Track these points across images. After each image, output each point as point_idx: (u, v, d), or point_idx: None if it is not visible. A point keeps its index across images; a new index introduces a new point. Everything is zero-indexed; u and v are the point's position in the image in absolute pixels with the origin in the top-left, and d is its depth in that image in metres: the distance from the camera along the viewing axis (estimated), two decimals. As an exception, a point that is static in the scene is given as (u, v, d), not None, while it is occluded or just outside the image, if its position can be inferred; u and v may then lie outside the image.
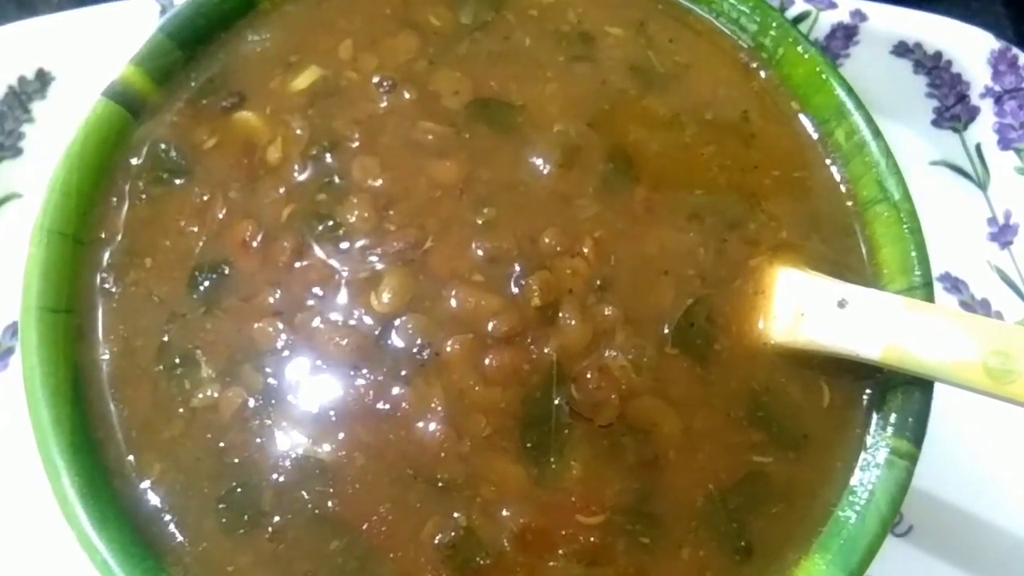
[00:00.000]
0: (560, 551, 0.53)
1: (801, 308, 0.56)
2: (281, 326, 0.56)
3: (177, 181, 0.61)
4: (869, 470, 0.55)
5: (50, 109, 0.85)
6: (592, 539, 0.53)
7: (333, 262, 0.57)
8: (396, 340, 0.55)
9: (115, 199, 0.60)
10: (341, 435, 0.54)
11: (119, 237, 0.59)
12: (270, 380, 0.55)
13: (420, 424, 0.54)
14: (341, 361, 0.55)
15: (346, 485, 0.53)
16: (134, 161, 0.61)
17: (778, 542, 0.54)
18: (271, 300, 0.57)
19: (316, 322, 0.56)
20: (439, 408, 0.54)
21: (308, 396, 0.55)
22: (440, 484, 0.53)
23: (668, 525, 0.54)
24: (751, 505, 0.55)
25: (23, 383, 0.54)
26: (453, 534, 0.52)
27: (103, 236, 0.59)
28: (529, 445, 0.54)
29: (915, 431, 0.55)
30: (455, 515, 0.52)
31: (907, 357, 0.52)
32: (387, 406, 0.54)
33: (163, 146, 0.61)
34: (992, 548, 0.74)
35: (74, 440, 0.53)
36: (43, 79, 0.85)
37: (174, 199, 0.60)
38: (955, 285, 0.83)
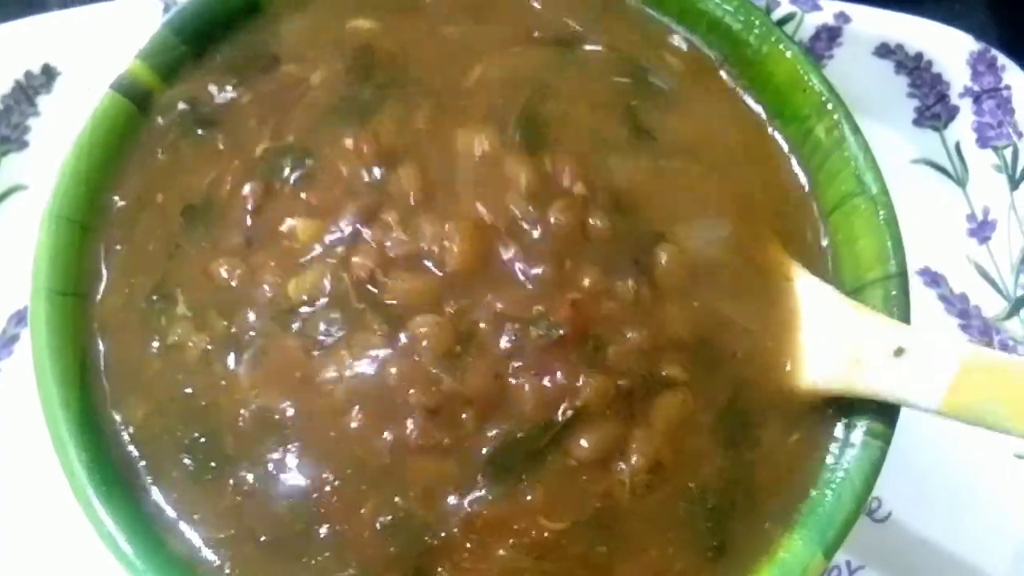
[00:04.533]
0: (510, 541, 0.51)
1: (857, 355, 0.54)
2: (237, 267, 0.57)
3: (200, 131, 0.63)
4: (845, 450, 0.57)
5: (56, 103, 0.86)
6: (545, 534, 0.52)
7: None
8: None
9: (123, 188, 0.62)
10: (286, 392, 0.54)
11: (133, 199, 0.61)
12: (225, 324, 0.56)
13: (333, 387, 0.53)
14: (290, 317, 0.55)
15: (295, 444, 0.53)
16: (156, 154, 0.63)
17: (757, 523, 0.56)
18: (237, 240, 0.58)
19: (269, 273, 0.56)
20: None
21: (263, 349, 0.55)
22: (370, 466, 0.52)
23: (637, 524, 0.53)
24: (731, 507, 0.55)
25: (32, 362, 0.55)
26: (391, 517, 0.51)
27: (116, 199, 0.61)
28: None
29: (889, 412, 0.56)
30: (395, 499, 0.51)
31: (968, 409, 0.51)
32: (317, 367, 0.54)
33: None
34: (970, 533, 0.76)
35: (81, 416, 0.55)
36: (49, 74, 0.86)
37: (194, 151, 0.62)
38: (934, 279, 0.85)
